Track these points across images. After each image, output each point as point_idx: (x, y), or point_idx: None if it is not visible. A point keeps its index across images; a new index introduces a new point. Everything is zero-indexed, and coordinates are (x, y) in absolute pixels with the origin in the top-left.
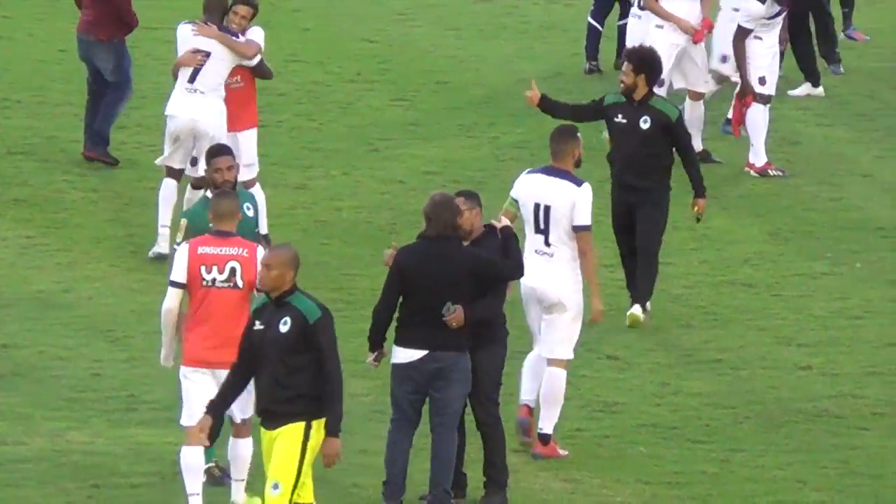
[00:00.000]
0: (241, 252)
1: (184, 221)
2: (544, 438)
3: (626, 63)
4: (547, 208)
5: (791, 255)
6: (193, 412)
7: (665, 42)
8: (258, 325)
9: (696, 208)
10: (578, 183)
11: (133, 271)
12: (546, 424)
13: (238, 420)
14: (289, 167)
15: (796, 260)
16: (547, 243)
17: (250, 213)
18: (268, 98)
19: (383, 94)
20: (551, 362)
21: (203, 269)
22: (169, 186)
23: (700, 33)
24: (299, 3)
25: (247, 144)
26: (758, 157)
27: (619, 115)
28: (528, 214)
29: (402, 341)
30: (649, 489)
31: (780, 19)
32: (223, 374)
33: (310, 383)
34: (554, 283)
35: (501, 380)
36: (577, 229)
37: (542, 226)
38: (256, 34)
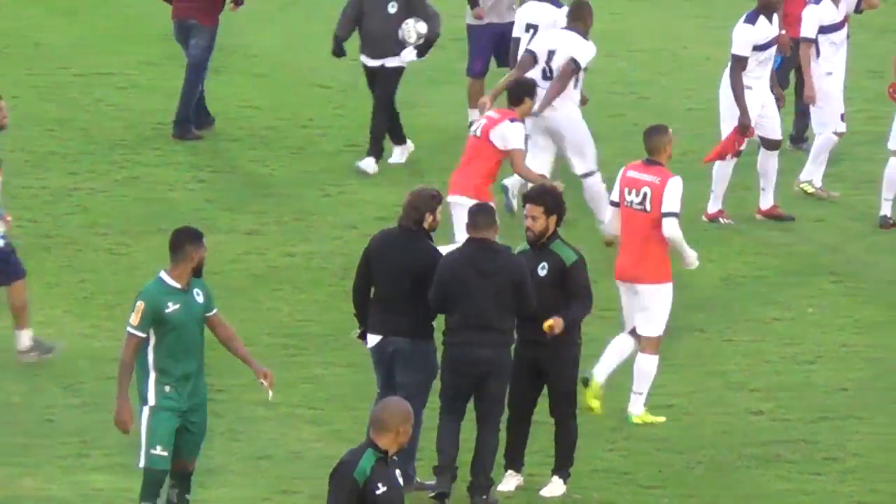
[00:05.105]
0: (655, 179)
1: (140, 304)
2: None
3: (531, 206)
4: None
5: (743, 300)
6: (629, 318)
7: (838, 87)
8: (381, 488)
9: (549, 322)
10: None
11: (85, 317)
12: None
13: (641, 335)
14: (241, 213)
15: (748, 305)
16: None
17: (199, 300)
18: (221, 143)
19: (336, 139)
20: None
21: (626, 190)
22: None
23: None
24: (255, 48)
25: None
26: (716, 203)
27: None
28: None
29: (369, 327)
30: None
31: (770, 54)
32: (635, 288)
33: None
34: None
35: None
36: None
37: None
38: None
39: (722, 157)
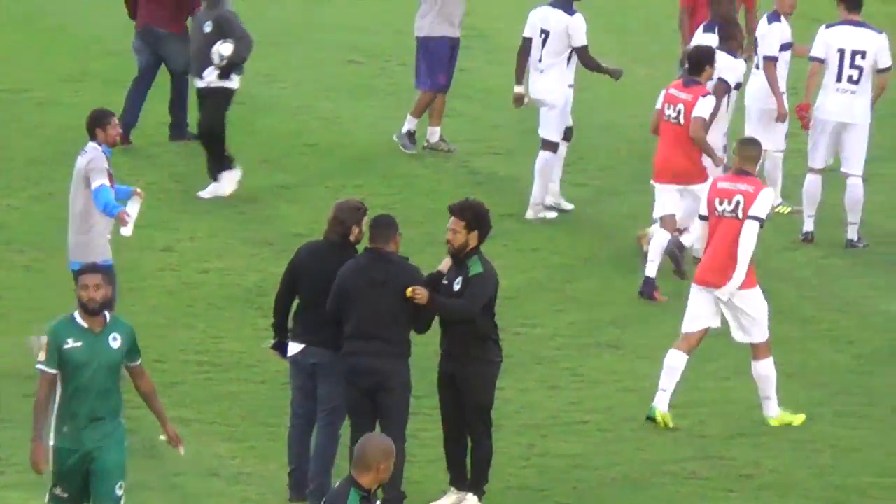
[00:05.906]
0: (748, 188)
1: (44, 338)
2: None
3: (454, 219)
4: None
5: (658, 316)
6: (693, 317)
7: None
8: None
9: (413, 288)
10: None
11: (2, 334)
12: None
13: (754, 342)
14: (156, 229)
15: (663, 321)
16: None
17: (114, 345)
18: (135, 160)
19: (251, 156)
20: None
21: (716, 200)
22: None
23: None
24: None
25: None
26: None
27: (446, 279)
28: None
29: (292, 336)
30: None
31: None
32: (716, 294)
33: None
34: None
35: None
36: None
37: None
38: None
39: None
